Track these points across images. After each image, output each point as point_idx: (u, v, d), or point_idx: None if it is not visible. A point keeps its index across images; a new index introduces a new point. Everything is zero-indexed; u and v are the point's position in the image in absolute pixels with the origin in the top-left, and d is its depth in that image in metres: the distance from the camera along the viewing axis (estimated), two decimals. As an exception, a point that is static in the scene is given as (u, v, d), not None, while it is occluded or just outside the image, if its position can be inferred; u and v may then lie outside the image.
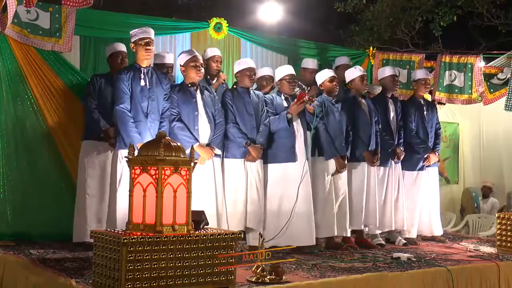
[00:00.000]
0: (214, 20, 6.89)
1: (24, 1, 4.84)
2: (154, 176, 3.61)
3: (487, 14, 11.13)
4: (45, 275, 4.15)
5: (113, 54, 5.63)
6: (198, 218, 3.92)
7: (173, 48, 6.64)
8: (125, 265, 3.43)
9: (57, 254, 4.94)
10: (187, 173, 3.71)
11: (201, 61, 5.27)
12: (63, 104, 5.82)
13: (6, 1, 4.51)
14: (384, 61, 7.94)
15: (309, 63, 6.86)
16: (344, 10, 11.99)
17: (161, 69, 5.63)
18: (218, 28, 6.88)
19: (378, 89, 6.83)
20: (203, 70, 5.29)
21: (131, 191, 3.68)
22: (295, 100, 5.51)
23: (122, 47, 5.68)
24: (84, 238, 5.22)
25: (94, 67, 6.17)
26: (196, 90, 5.23)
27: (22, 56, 5.70)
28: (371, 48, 8.12)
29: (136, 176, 3.67)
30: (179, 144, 3.82)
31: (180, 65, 5.25)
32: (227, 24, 6.94)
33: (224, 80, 6.13)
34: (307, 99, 5.48)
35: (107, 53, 5.71)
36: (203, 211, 4.07)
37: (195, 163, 3.79)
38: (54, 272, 4.15)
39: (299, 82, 5.79)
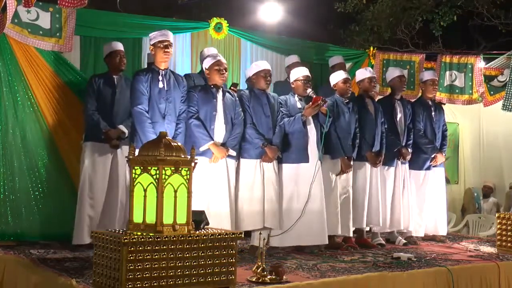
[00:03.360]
0: (214, 20, 6.88)
1: (23, 1, 4.83)
2: (154, 176, 3.61)
3: (487, 14, 11.15)
4: (46, 275, 4.15)
5: (111, 53, 5.59)
6: (199, 218, 3.92)
7: (173, 48, 6.63)
8: (125, 265, 3.43)
9: (57, 254, 4.95)
10: (188, 173, 3.71)
11: (225, 65, 5.35)
12: (63, 104, 5.82)
13: (5, 1, 4.51)
14: (385, 61, 7.95)
15: (292, 58, 6.84)
16: (344, 10, 12.00)
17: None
18: (218, 28, 6.88)
19: (377, 87, 6.85)
20: (226, 74, 5.38)
21: (131, 191, 3.68)
22: (310, 103, 5.55)
23: (120, 46, 5.64)
24: (85, 240, 5.19)
25: (94, 67, 6.16)
26: (218, 92, 5.31)
27: (22, 56, 5.70)
28: (371, 48, 8.12)
29: (136, 176, 3.67)
30: (179, 144, 3.82)
31: (205, 68, 5.36)
32: (227, 24, 6.94)
33: None
34: (322, 102, 5.52)
35: (104, 52, 5.66)
36: (203, 211, 4.07)
37: (195, 163, 3.79)
38: (55, 272, 4.15)
39: (311, 90, 5.80)
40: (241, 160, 5.44)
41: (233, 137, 5.30)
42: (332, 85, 6.11)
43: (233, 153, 5.28)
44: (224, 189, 5.19)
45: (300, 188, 5.55)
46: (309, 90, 5.72)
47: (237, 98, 5.49)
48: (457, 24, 11.53)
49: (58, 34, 5.84)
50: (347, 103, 6.02)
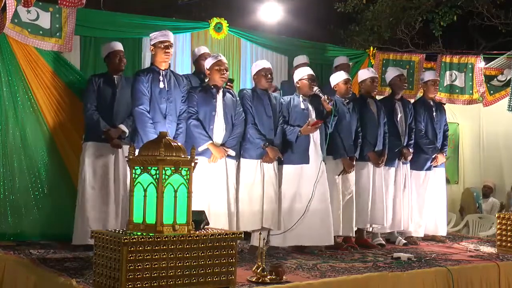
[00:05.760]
0: (214, 20, 6.88)
1: (22, 1, 4.83)
2: (154, 176, 3.62)
3: (487, 14, 11.13)
4: (46, 275, 4.15)
5: (110, 53, 5.57)
6: (199, 218, 3.92)
7: (173, 48, 6.62)
8: (125, 265, 3.43)
9: (57, 254, 4.96)
10: (188, 173, 3.71)
11: (226, 66, 5.38)
12: (63, 104, 5.82)
13: (5, 1, 4.51)
14: (384, 61, 7.94)
15: (300, 59, 6.86)
16: (344, 10, 11.98)
17: None
18: (218, 28, 6.88)
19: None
20: (227, 74, 5.40)
21: (131, 191, 3.68)
22: (311, 123, 5.55)
23: (119, 46, 5.63)
24: (85, 241, 5.17)
25: (94, 67, 6.15)
26: (218, 92, 5.32)
27: (22, 56, 5.69)
28: (371, 48, 8.11)
29: (136, 176, 3.67)
30: (179, 144, 3.83)
31: (206, 68, 5.38)
32: (227, 24, 6.94)
33: None
34: (328, 101, 5.56)
35: (103, 52, 5.65)
36: (203, 211, 4.07)
37: (195, 163, 3.79)
38: (55, 272, 4.15)
39: (318, 88, 5.79)
40: (242, 160, 5.45)
41: (233, 137, 5.31)
42: (332, 86, 6.10)
43: (232, 153, 5.28)
44: (223, 189, 5.19)
45: (301, 189, 5.55)
46: (315, 88, 5.72)
47: (237, 98, 5.50)
48: (457, 24, 11.52)
49: (58, 34, 5.84)
50: (347, 103, 6.02)
